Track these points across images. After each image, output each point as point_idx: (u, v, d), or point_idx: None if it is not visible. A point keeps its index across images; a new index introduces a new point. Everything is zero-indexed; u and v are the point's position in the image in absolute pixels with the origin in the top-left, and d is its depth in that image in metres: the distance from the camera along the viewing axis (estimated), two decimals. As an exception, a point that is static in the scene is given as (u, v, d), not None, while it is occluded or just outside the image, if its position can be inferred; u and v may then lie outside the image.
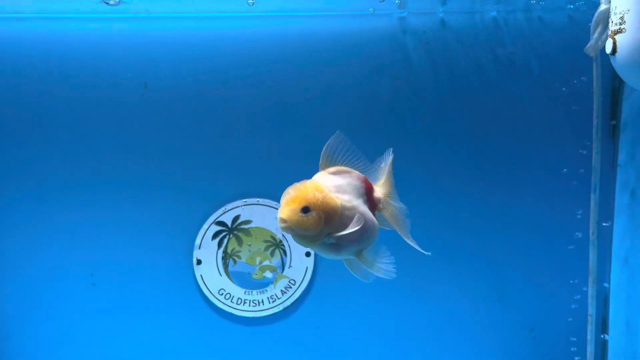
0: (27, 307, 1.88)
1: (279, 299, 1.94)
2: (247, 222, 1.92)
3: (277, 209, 1.87)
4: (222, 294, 1.92)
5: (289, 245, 1.93)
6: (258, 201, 1.92)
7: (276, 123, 1.89)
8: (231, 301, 1.92)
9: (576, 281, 1.89)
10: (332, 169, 1.17)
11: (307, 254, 1.94)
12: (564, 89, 1.87)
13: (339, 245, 1.14)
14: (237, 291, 1.92)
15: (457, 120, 1.89)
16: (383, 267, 1.20)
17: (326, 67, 1.87)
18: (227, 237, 1.92)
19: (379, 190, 1.24)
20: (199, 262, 1.91)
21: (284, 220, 1.10)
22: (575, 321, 1.89)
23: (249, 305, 1.93)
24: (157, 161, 1.87)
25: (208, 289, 1.91)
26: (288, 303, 1.94)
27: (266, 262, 1.94)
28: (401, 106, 1.89)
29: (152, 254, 1.89)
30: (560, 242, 1.90)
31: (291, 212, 1.09)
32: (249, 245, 1.93)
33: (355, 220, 1.13)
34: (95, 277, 1.88)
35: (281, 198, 1.11)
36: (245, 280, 1.93)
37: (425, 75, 1.88)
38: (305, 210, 1.09)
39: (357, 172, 1.20)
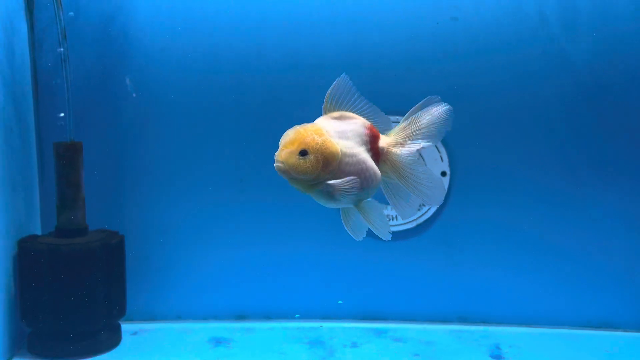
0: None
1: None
2: (386, 138, 1.97)
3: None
4: (358, 207, 1.99)
5: (425, 164, 1.96)
6: (398, 119, 1.94)
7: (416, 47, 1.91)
8: (366, 214, 1.99)
9: None
10: (335, 114, 1.13)
11: (443, 174, 1.96)
12: None
13: (336, 192, 1.10)
14: (373, 205, 1.99)
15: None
16: (380, 225, 1.17)
17: None
18: (366, 152, 1.97)
19: (386, 140, 1.18)
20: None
21: (280, 163, 1.06)
22: None
23: (383, 220, 1.99)
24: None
25: (345, 201, 1.99)
26: (421, 220, 1.98)
27: (402, 179, 1.98)
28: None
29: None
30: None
31: (288, 154, 1.06)
32: (386, 161, 1.97)
33: (354, 169, 1.09)
34: (244, 183, 1.99)
35: (280, 140, 1.08)
36: (380, 196, 1.97)
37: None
38: (303, 153, 1.05)
39: (362, 119, 1.15)
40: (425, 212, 1.97)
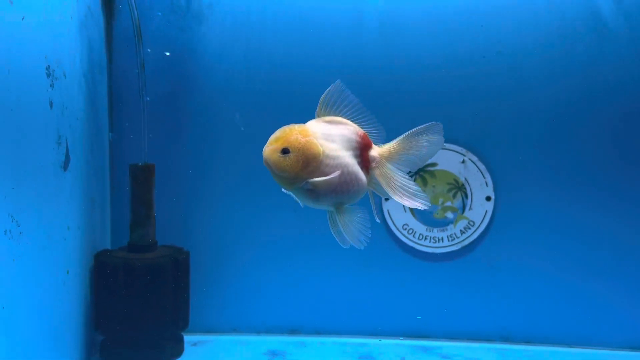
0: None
1: (457, 238, 2.08)
2: (433, 164, 2.08)
3: (462, 154, 2.08)
4: (406, 228, 2.09)
5: (470, 189, 2.07)
6: (444, 146, 2.06)
7: (464, 77, 2.04)
8: (413, 236, 2.09)
9: None
10: (327, 118, 1.16)
11: (488, 198, 2.07)
12: None
13: (316, 192, 1.13)
14: (420, 227, 2.09)
15: None
16: (355, 231, 1.18)
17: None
18: (414, 177, 2.09)
19: (377, 150, 1.21)
20: (386, 198, 2.09)
21: (264, 158, 1.11)
22: None
23: (430, 241, 2.09)
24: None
25: (394, 222, 2.09)
26: (466, 242, 2.08)
27: (448, 203, 2.09)
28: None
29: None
30: None
31: (271, 151, 1.10)
32: (434, 186, 2.08)
33: (334, 170, 1.11)
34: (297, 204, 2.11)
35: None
36: (427, 218, 2.09)
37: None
38: (285, 151, 1.09)
39: (355, 126, 1.17)
40: (471, 234, 2.08)
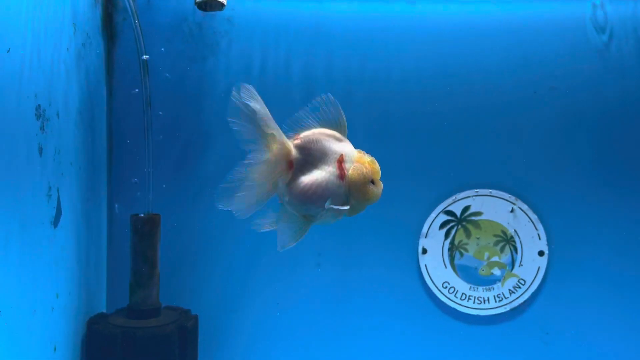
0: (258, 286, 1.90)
1: (506, 298, 1.82)
2: (478, 213, 1.83)
3: (511, 202, 1.83)
4: (446, 287, 1.84)
5: (520, 242, 1.82)
6: (490, 192, 1.82)
7: (513, 115, 1.81)
8: (455, 295, 1.83)
9: None
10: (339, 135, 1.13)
11: (541, 253, 1.81)
12: None
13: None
14: (462, 286, 1.83)
15: None
16: (287, 235, 1.14)
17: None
18: (456, 227, 1.83)
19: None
20: (424, 251, 1.83)
21: (379, 195, 1.13)
22: None
23: (474, 302, 1.83)
24: (395, 144, 1.83)
25: (432, 280, 1.83)
26: (516, 304, 1.82)
27: (495, 258, 1.83)
28: None
29: (376, 238, 1.85)
30: None
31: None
32: (478, 238, 1.83)
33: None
34: (321, 258, 1.86)
35: (375, 174, 1.11)
36: (471, 275, 1.83)
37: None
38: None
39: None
40: (521, 294, 1.82)
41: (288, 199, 1.11)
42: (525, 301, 1.82)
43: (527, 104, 1.81)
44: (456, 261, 1.85)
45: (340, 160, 1.11)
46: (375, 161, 1.12)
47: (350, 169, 1.10)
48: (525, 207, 1.82)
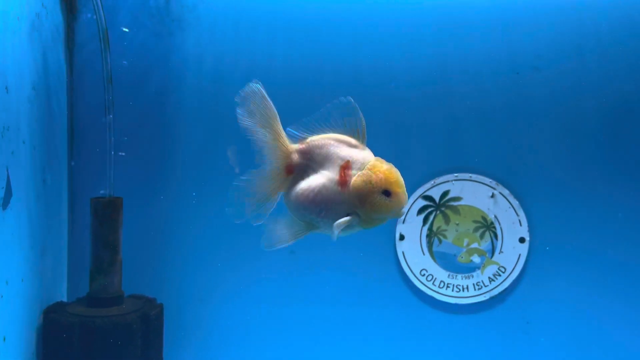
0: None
1: (485, 286, 1.76)
2: (457, 198, 1.76)
3: (492, 187, 1.77)
4: (424, 274, 1.77)
5: (500, 228, 1.76)
6: (470, 177, 1.75)
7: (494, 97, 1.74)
8: (433, 283, 1.77)
9: None
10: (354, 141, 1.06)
11: (522, 240, 1.75)
12: None
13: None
14: (441, 273, 1.77)
15: None
16: (278, 236, 1.08)
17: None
18: (434, 213, 1.77)
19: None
20: (402, 237, 1.77)
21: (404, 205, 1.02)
22: None
23: (452, 290, 1.77)
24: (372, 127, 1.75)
25: (409, 267, 1.77)
26: (496, 292, 1.76)
27: (474, 245, 1.77)
28: None
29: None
30: None
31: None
32: (457, 224, 1.77)
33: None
34: (295, 244, 1.78)
35: (391, 184, 0.99)
36: (450, 262, 1.77)
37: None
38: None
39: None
40: (501, 282, 1.76)
41: (287, 205, 1.05)
42: (505, 289, 1.76)
43: (509, 85, 1.74)
44: (434, 248, 1.78)
45: (345, 167, 1.01)
46: (395, 170, 1.01)
47: (356, 176, 1.00)
48: (506, 192, 1.75)
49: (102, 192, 1.58)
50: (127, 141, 1.67)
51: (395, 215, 1.01)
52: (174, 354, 1.71)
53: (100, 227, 1.56)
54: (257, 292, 1.78)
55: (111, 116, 1.52)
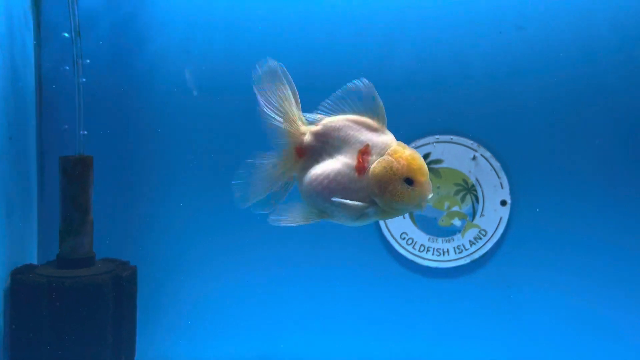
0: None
1: (466, 249, 1.74)
2: (438, 161, 1.73)
3: (473, 149, 1.74)
4: (404, 238, 1.75)
5: (482, 191, 1.73)
6: (452, 139, 1.72)
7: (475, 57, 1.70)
8: (413, 247, 1.74)
9: None
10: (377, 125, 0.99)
11: (503, 203, 1.73)
12: None
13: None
14: (421, 237, 1.74)
15: None
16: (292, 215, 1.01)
17: None
18: (415, 176, 1.74)
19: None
20: (381, 200, 1.74)
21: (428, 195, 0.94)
22: None
23: (433, 254, 1.75)
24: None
25: (389, 231, 1.74)
26: (476, 256, 1.74)
27: (455, 208, 1.75)
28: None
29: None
30: None
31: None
32: (438, 187, 1.74)
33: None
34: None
35: (414, 171, 0.92)
36: (430, 226, 1.75)
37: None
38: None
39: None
40: (482, 246, 1.74)
41: (300, 190, 0.99)
42: (486, 253, 1.74)
43: (491, 45, 1.70)
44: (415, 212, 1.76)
45: (364, 152, 0.94)
46: (418, 156, 0.93)
47: (376, 162, 0.93)
48: (487, 154, 1.72)
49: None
50: (99, 98, 1.62)
51: (417, 207, 0.93)
52: (148, 320, 1.68)
53: (69, 185, 1.51)
54: (237, 257, 1.75)
55: (84, 80, 1.47)
